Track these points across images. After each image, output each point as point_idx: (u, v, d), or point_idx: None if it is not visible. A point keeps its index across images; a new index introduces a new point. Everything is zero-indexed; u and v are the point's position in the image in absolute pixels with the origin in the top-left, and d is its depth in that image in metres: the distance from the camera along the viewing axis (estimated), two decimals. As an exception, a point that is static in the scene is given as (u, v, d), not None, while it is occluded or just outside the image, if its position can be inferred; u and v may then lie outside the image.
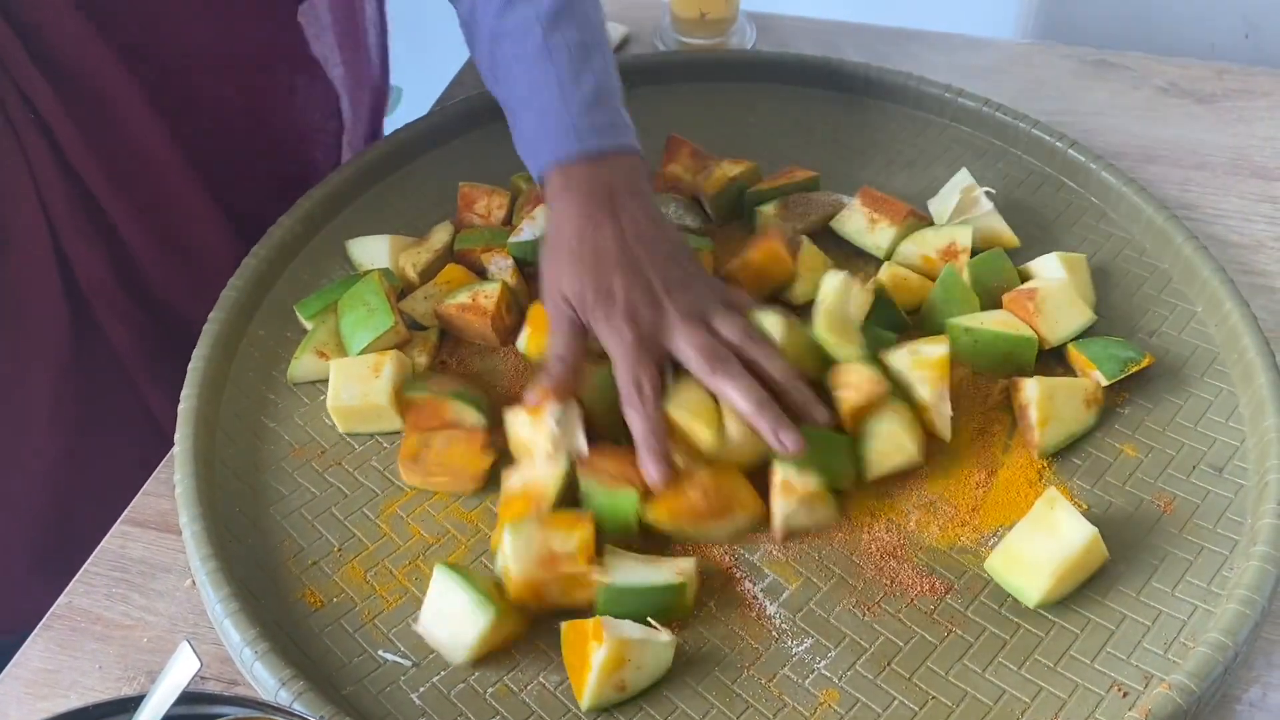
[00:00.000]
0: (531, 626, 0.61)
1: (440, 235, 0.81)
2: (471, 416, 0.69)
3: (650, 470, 0.63)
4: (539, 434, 0.65)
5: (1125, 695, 0.58)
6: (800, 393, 0.66)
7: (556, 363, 0.67)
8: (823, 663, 0.60)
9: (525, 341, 0.74)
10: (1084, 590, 0.62)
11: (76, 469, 0.81)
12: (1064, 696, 0.58)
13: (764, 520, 0.65)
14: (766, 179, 0.84)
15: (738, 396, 0.64)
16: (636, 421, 0.64)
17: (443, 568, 0.60)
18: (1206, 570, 0.62)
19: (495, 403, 0.71)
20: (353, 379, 0.70)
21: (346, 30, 0.87)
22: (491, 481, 0.67)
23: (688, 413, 0.65)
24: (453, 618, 0.60)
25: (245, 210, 0.81)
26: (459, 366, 0.75)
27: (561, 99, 0.71)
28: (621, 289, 0.66)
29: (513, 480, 0.65)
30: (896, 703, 0.58)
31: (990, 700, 0.58)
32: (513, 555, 0.60)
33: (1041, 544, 0.60)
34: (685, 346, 0.66)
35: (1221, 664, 0.56)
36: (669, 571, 0.61)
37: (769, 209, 0.81)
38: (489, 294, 0.75)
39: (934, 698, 0.58)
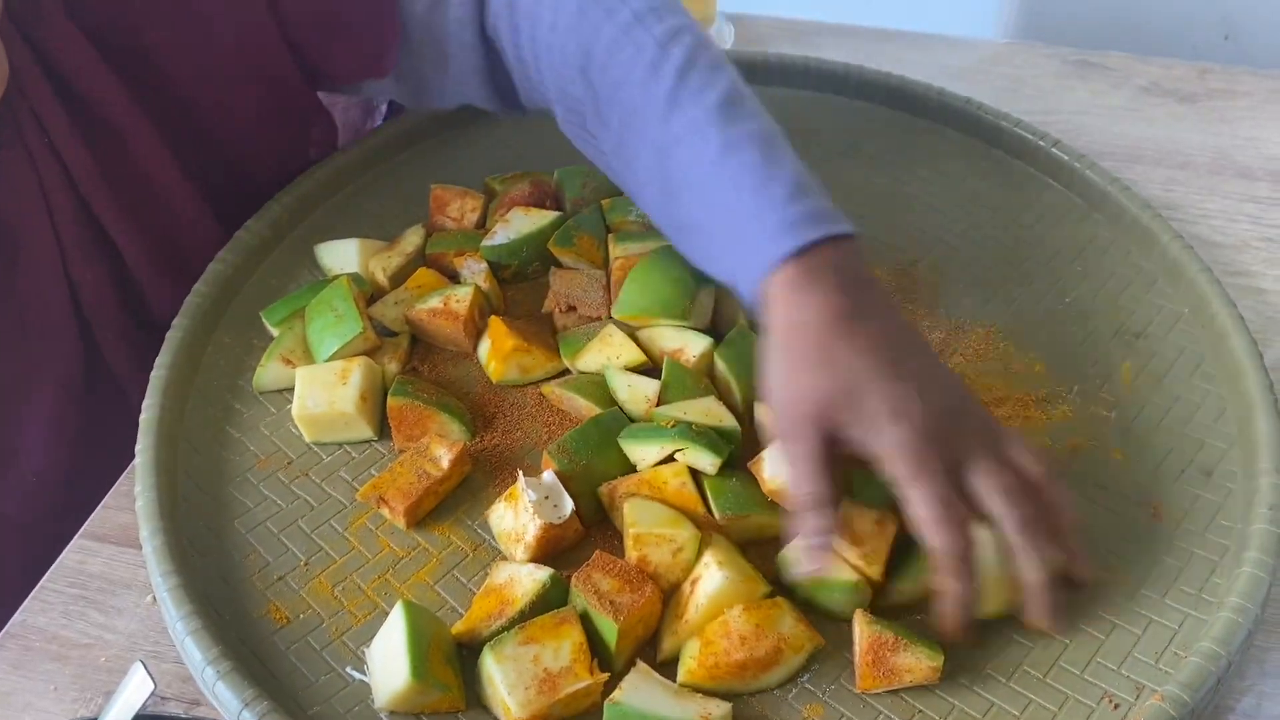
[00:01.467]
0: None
1: (411, 239, 0.79)
2: (455, 430, 0.68)
3: (952, 635, 0.56)
4: (519, 515, 0.61)
5: (1116, 707, 0.56)
6: (1077, 550, 0.58)
7: (819, 515, 0.55)
8: (806, 677, 0.58)
9: (485, 356, 0.72)
10: (1073, 599, 0.60)
11: (70, 487, 0.79)
12: (1053, 709, 0.56)
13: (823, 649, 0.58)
14: None
15: (1034, 571, 0.54)
16: (953, 581, 0.54)
17: (402, 605, 0.57)
18: (1197, 577, 0.61)
19: (471, 411, 0.70)
20: (319, 386, 0.68)
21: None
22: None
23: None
24: (388, 660, 0.56)
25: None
26: (431, 373, 0.73)
27: (765, 193, 0.60)
28: (904, 397, 0.54)
29: (499, 575, 0.60)
30: (882, 717, 0.56)
31: (978, 713, 0.56)
32: (508, 691, 0.54)
33: None
34: (991, 490, 0.54)
35: (1214, 674, 0.55)
36: (694, 713, 0.55)
37: None
38: (461, 299, 0.73)
39: (920, 711, 0.56)
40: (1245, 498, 0.63)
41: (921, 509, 0.54)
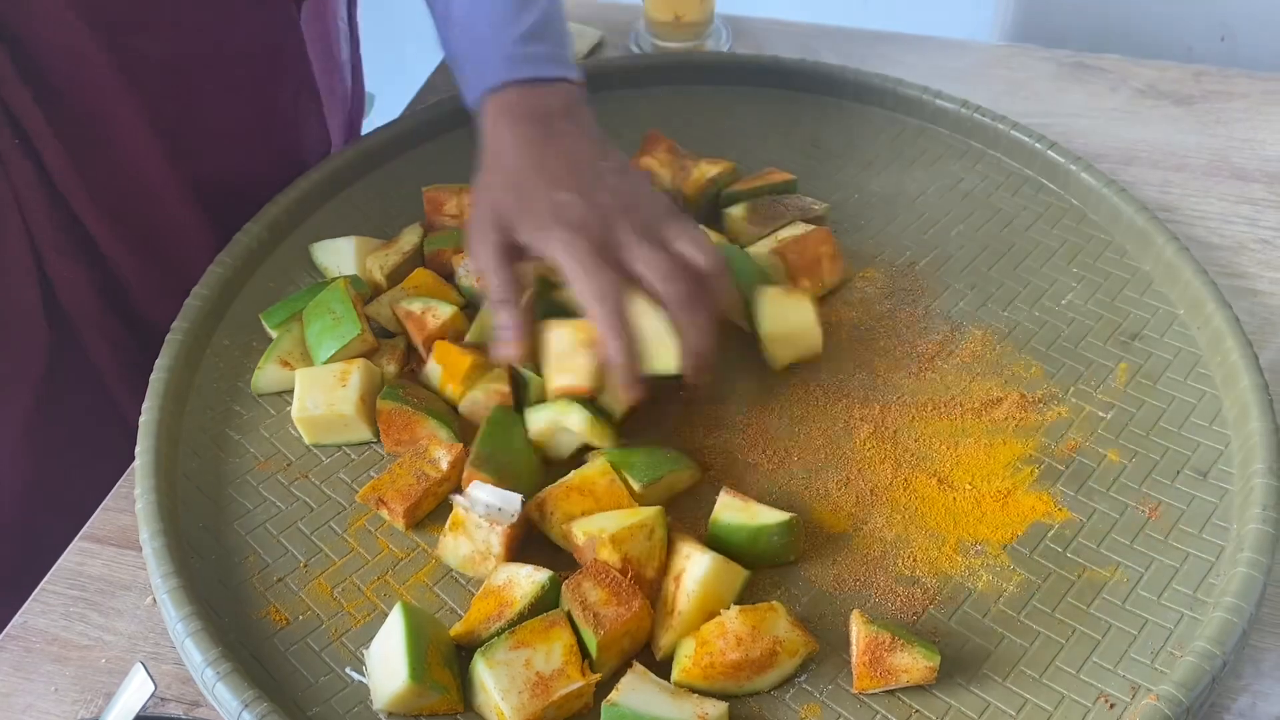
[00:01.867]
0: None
1: (409, 237, 0.80)
2: (443, 435, 0.67)
3: (627, 394, 0.62)
4: (474, 536, 0.61)
5: (1112, 707, 0.56)
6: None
7: (503, 308, 0.63)
8: (803, 677, 0.58)
9: (439, 380, 0.70)
10: (1069, 599, 0.61)
11: (52, 489, 0.79)
12: (1049, 709, 0.56)
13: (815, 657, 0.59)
14: (744, 180, 0.83)
15: (699, 336, 0.61)
16: (612, 341, 0.60)
17: (401, 607, 0.57)
18: (1193, 577, 0.61)
19: (462, 422, 0.69)
20: (318, 388, 0.68)
21: (320, 45, 0.86)
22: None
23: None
24: (387, 661, 0.57)
25: (238, 227, 0.79)
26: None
27: (500, 29, 0.70)
28: (567, 203, 0.63)
29: (498, 577, 0.60)
30: (879, 717, 0.57)
31: (975, 713, 0.56)
32: (501, 696, 0.54)
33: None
34: (644, 268, 0.62)
35: (1210, 674, 0.55)
36: (690, 713, 0.55)
37: (736, 211, 0.80)
38: (439, 314, 0.72)
39: (917, 711, 0.57)
40: (1241, 498, 0.64)
41: (582, 288, 0.61)
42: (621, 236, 0.63)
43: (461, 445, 0.66)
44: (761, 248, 0.76)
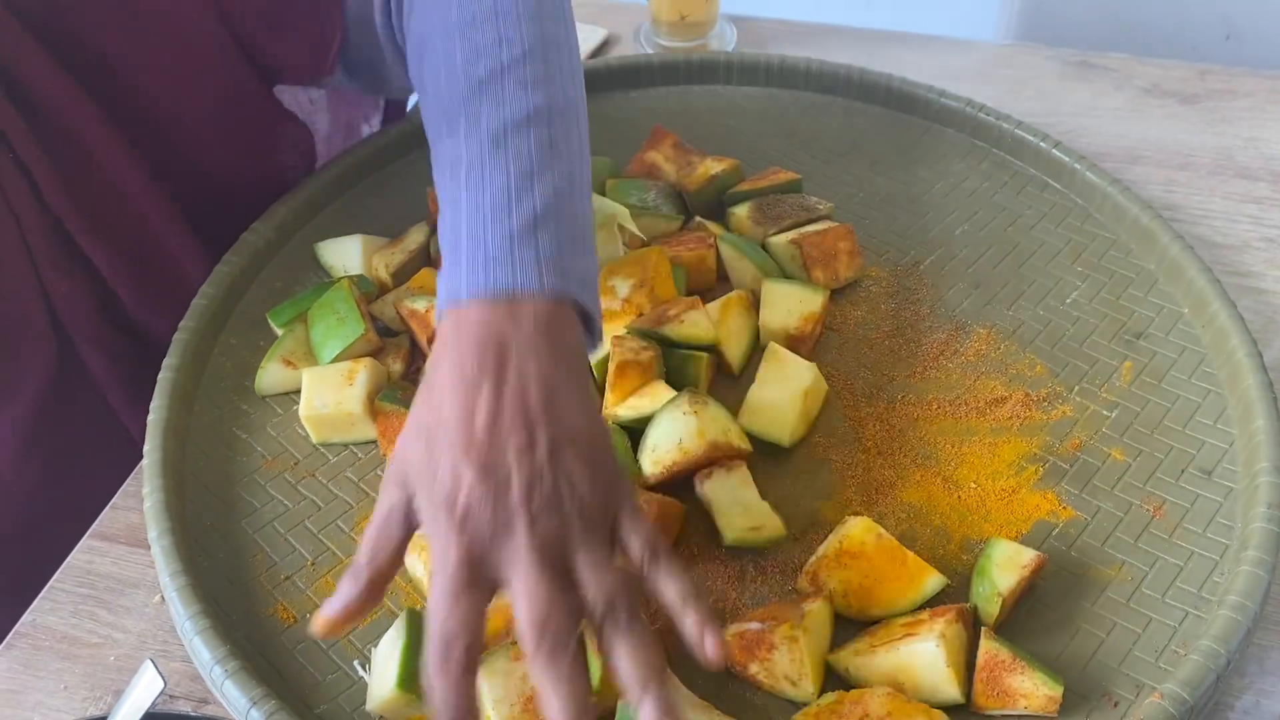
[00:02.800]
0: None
1: (415, 236, 0.80)
2: None
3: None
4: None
5: (1116, 705, 0.56)
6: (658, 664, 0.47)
7: (362, 565, 0.49)
8: (808, 674, 0.58)
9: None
10: (1073, 597, 0.61)
11: (52, 496, 0.79)
12: (1054, 706, 0.57)
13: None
14: (749, 179, 0.83)
15: (550, 681, 0.46)
16: (438, 692, 0.46)
17: (405, 614, 0.57)
18: (1197, 576, 0.61)
19: None
20: (325, 387, 0.69)
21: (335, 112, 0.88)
22: None
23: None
24: (384, 664, 0.57)
25: (226, 240, 0.80)
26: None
27: (493, 218, 0.55)
28: (467, 484, 0.48)
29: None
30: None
31: (979, 711, 0.57)
32: (493, 706, 0.52)
33: (776, 391, 0.67)
34: (518, 595, 0.47)
35: (1214, 672, 0.55)
36: None
37: (741, 211, 0.80)
38: None
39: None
40: (1245, 496, 0.64)
41: (429, 634, 0.47)
42: (511, 545, 0.48)
43: None
44: (781, 238, 0.77)
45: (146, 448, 0.67)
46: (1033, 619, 0.60)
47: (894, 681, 0.56)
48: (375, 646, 0.59)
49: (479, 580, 0.48)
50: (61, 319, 0.75)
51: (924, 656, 0.55)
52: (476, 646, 0.47)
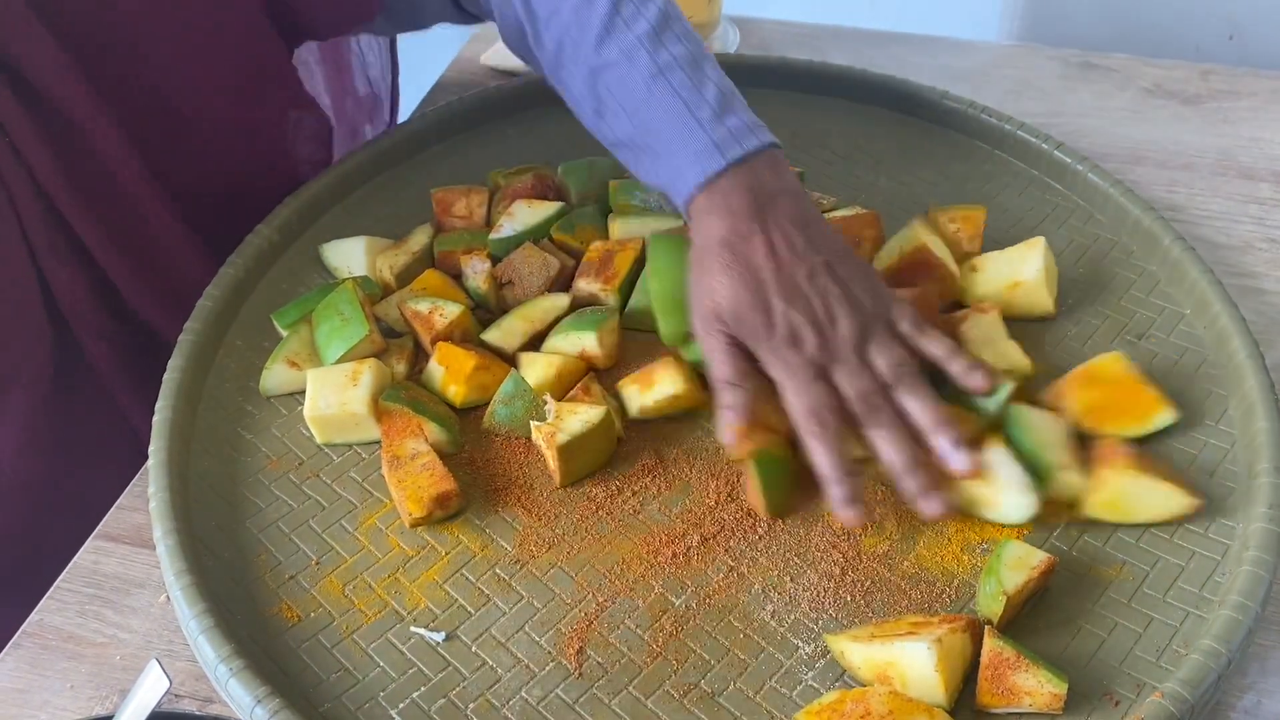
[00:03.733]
0: (514, 635, 0.60)
1: (419, 238, 0.80)
2: (440, 437, 0.68)
3: (843, 515, 0.61)
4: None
5: (1117, 704, 0.57)
6: (945, 436, 0.62)
7: (729, 391, 0.63)
8: (810, 674, 0.59)
9: (440, 381, 0.71)
10: (1075, 597, 0.61)
11: (54, 489, 0.79)
12: (1056, 706, 0.57)
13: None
14: None
15: (888, 450, 0.61)
16: (822, 458, 0.61)
17: (757, 455, 0.63)
18: (1198, 576, 0.61)
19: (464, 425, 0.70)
20: (330, 388, 0.69)
21: (333, 76, 0.87)
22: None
23: None
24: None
25: (224, 235, 0.80)
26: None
27: (692, 116, 0.67)
28: (780, 308, 0.63)
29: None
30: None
31: (981, 710, 0.57)
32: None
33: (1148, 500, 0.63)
34: (845, 385, 0.62)
35: (1215, 671, 0.55)
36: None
37: None
38: (446, 314, 0.73)
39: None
40: (1246, 497, 0.64)
41: (797, 417, 0.62)
42: (830, 347, 0.63)
43: (444, 469, 0.66)
44: None
45: (152, 448, 0.67)
46: (1034, 618, 0.60)
47: (883, 676, 0.56)
48: (376, 644, 0.60)
49: (820, 376, 0.62)
50: (61, 307, 0.75)
51: (915, 656, 0.55)
52: (839, 416, 0.62)
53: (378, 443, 0.70)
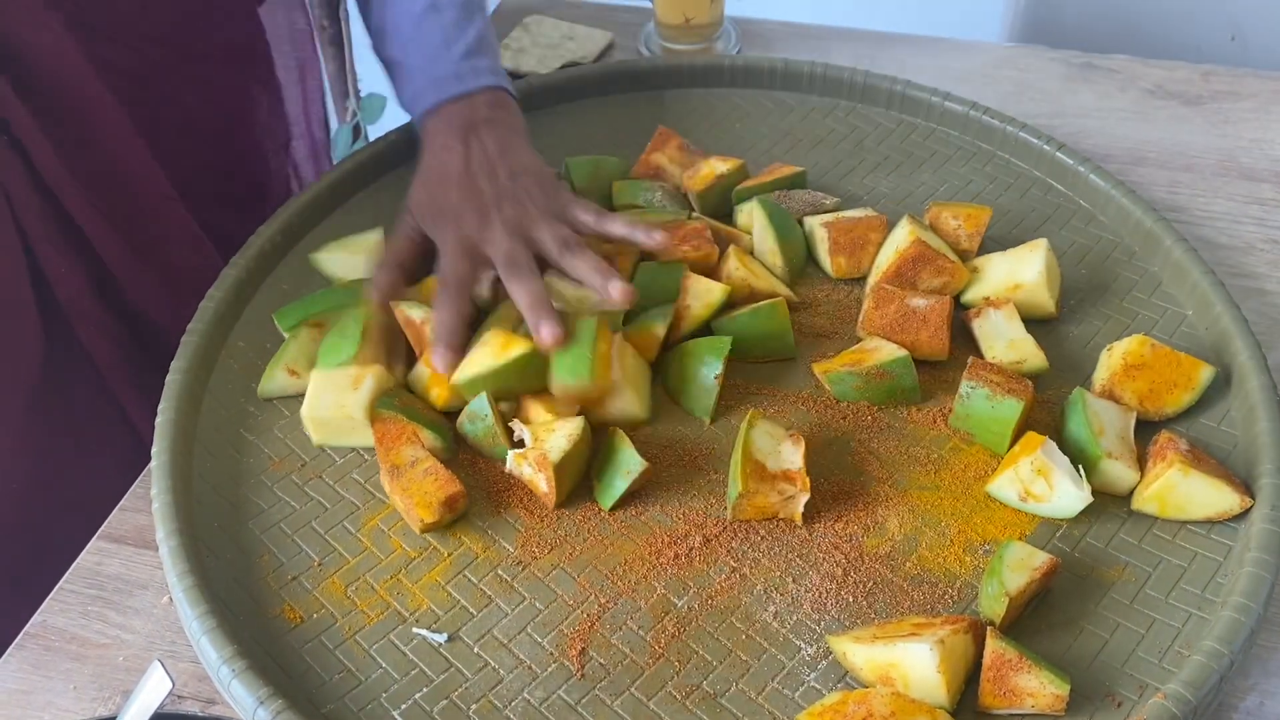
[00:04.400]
0: (516, 640, 0.60)
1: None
2: (435, 443, 0.68)
3: (545, 332, 0.67)
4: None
5: (1120, 705, 0.57)
6: (593, 277, 0.70)
7: (381, 268, 0.73)
8: (813, 675, 0.59)
9: (424, 383, 0.71)
10: (1077, 598, 0.61)
11: (52, 486, 0.79)
12: (1058, 707, 0.57)
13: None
14: (754, 176, 0.84)
15: (518, 293, 0.69)
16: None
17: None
18: (1201, 577, 0.61)
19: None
20: (330, 389, 0.69)
21: (287, 39, 0.91)
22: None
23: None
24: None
25: (215, 223, 0.81)
26: None
27: (442, 51, 0.78)
28: (454, 202, 0.73)
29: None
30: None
31: (983, 711, 0.57)
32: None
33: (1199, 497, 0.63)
34: (492, 252, 0.72)
35: (1217, 672, 0.56)
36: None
37: (748, 207, 0.80)
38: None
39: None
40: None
41: (445, 263, 0.72)
42: (487, 228, 0.72)
43: (448, 473, 0.66)
44: (817, 219, 0.79)
45: (155, 449, 0.67)
46: (1037, 619, 0.60)
47: (885, 677, 0.56)
48: (379, 645, 0.60)
49: (472, 251, 0.72)
50: (58, 299, 0.75)
51: (918, 657, 0.55)
52: (462, 284, 0.71)
53: (373, 448, 0.69)
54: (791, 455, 0.65)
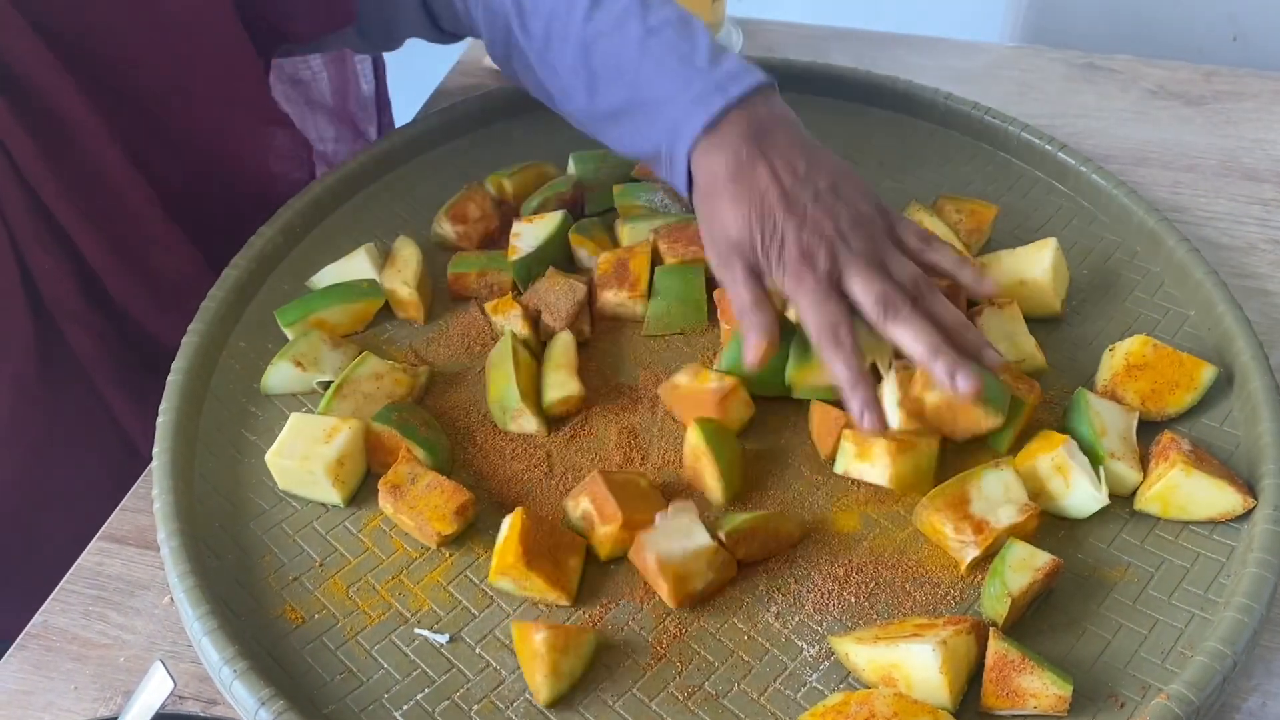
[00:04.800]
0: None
1: (405, 252, 0.79)
2: (427, 461, 0.66)
3: (864, 420, 0.62)
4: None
5: (1123, 706, 0.57)
6: (971, 334, 0.64)
7: (753, 313, 0.65)
8: (815, 676, 0.59)
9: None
10: (1079, 599, 0.61)
11: (40, 484, 0.79)
12: (1060, 708, 0.57)
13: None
14: None
15: (912, 340, 0.62)
16: (840, 369, 0.62)
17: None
18: (1203, 578, 0.61)
19: (454, 442, 0.69)
20: (301, 437, 0.66)
21: (340, 115, 0.88)
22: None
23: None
24: None
25: (205, 228, 0.80)
26: (433, 403, 0.72)
27: (689, 65, 0.69)
28: (791, 230, 0.64)
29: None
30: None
31: (985, 712, 0.57)
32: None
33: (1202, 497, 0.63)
34: (861, 293, 0.63)
35: (1220, 673, 0.55)
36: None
37: None
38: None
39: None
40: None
41: (809, 319, 0.64)
42: (843, 262, 0.64)
43: (451, 483, 0.65)
44: None
45: (156, 450, 0.67)
46: (1039, 620, 0.60)
47: (888, 678, 0.56)
48: (380, 646, 0.60)
49: (834, 292, 0.64)
50: (44, 297, 0.75)
51: (920, 658, 0.55)
52: (853, 330, 0.63)
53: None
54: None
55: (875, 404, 0.62)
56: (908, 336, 0.62)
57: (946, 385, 0.61)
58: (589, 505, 0.63)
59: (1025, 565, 0.59)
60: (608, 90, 0.72)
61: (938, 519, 0.62)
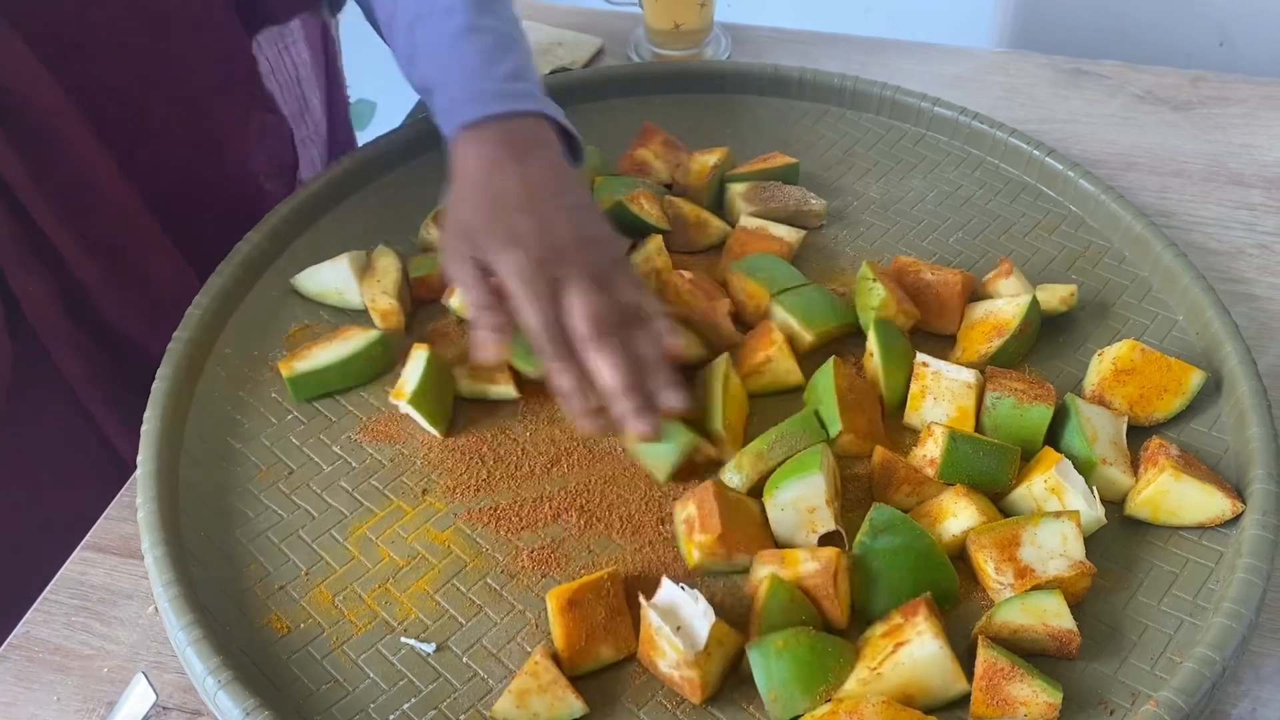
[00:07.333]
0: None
1: (385, 261, 0.79)
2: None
3: (585, 425, 0.63)
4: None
5: (1112, 713, 0.56)
6: (664, 373, 0.63)
7: (483, 313, 0.64)
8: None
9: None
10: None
11: (26, 500, 0.78)
12: (1050, 714, 0.57)
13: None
14: (749, 162, 0.85)
15: (610, 370, 0.61)
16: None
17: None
18: (1192, 583, 0.61)
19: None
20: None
21: (284, 84, 0.88)
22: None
23: None
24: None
25: (196, 240, 0.80)
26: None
27: (483, 70, 0.71)
28: (526, 229, 0.64)
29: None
30: (879, 724, 0.57)
31: (975, 719, 0.57)
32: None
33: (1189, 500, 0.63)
34: (578, 304, 0.62)
35: (1209, 679, 0.55)
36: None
37: (738, 188, 0.82)
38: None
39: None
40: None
41: (529, 319, 0.63)
42: (566, 271, 0.63)
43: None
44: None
45: (140, 458, 0.67)
46: (1028, 627, 0.60)
47: (905, 695, 0.56)
48: (366, 655, 0.59)
49: (546, 278, 0.63)
50: (29, 320, 0.74)
51: (928, 658, 0.55)
52: (559, 322, 0.63)
53: (365, 450, 0.69)
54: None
55: (597, 410, 0.62)
56: (606, 365, 0.61)
57: (626, 422, 0.62)
58: (694, 510, 0.62)
59: (1041, 612, 0.58)
60: (422, 66, 0.76)
61: (981, 556, 0.60)
